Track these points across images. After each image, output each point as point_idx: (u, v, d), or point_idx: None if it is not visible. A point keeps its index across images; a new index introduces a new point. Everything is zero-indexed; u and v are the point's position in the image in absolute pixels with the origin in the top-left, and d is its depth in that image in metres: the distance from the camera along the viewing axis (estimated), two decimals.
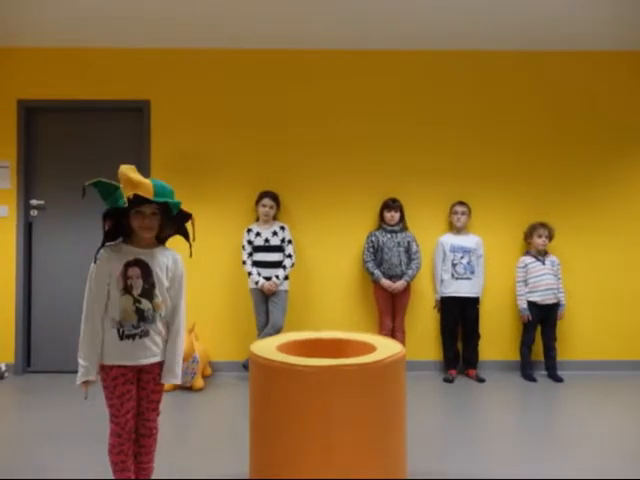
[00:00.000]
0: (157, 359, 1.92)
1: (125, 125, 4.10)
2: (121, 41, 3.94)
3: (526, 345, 3.89)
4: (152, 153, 4.04)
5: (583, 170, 4.13)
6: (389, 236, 3.89)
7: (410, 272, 3.85)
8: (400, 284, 3.81)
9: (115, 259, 1.87)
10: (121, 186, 1.78)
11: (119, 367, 1.85)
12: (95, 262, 1.84)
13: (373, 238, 3.91)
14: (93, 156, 4.06)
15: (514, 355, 4.00)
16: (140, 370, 1.91)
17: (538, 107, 4.14)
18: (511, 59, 4.12)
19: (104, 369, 1.86)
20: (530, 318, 3.84)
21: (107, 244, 1.89)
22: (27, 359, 4.02)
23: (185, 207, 1.93)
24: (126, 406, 1.86)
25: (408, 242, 3.89)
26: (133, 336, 1.85)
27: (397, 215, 3.90)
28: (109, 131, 4.10)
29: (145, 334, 1.87)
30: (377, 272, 3.84)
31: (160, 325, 1.91)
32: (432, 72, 4.12)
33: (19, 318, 3.97)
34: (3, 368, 3.88)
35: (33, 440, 2.69)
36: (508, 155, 4.12)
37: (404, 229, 3.94)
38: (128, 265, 1.86)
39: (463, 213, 3.93)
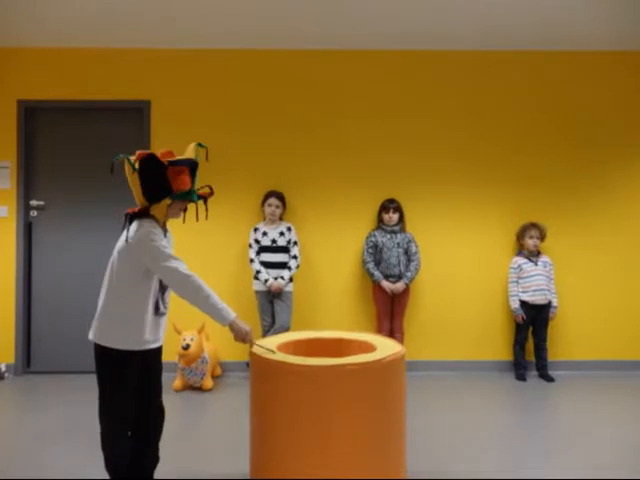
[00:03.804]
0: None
1: (125, 125, 4.10)
2: (121, 41, 3.93)
3: (519, 345, 3.90)
4: None
5: (581, 170, 4.12)
6: (389, 236, 3.88)
7: (409, 274, 3.84)
8: (400, 285, 3.80)
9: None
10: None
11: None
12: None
13: (372, 238, 3.90)
14: (93, 156, 4.06)
15: (507, 355, 4.02)
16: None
17: (537, 107, 4.13)
18: (510, 59, 4.12)
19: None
20: (524, 318, 3.84)
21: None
22: (27, 359, 4.02)
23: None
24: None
25: (407, 243, 3.88)
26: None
27: (395, 216, 3.89)
28: (109, 131, 4.09)
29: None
30: (377, 274, 3.83)
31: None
32: (433, 72, 4.11)
33: (19, 318, 3.97)
34: (3, 369, 3.88)
35: (33, 441, 2.69)
36: (507, 155, 4.11)
37: (403, 230, 3.94)
38: None
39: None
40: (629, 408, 3.22)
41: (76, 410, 3.12)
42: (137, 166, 1.80)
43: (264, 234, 3.82)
